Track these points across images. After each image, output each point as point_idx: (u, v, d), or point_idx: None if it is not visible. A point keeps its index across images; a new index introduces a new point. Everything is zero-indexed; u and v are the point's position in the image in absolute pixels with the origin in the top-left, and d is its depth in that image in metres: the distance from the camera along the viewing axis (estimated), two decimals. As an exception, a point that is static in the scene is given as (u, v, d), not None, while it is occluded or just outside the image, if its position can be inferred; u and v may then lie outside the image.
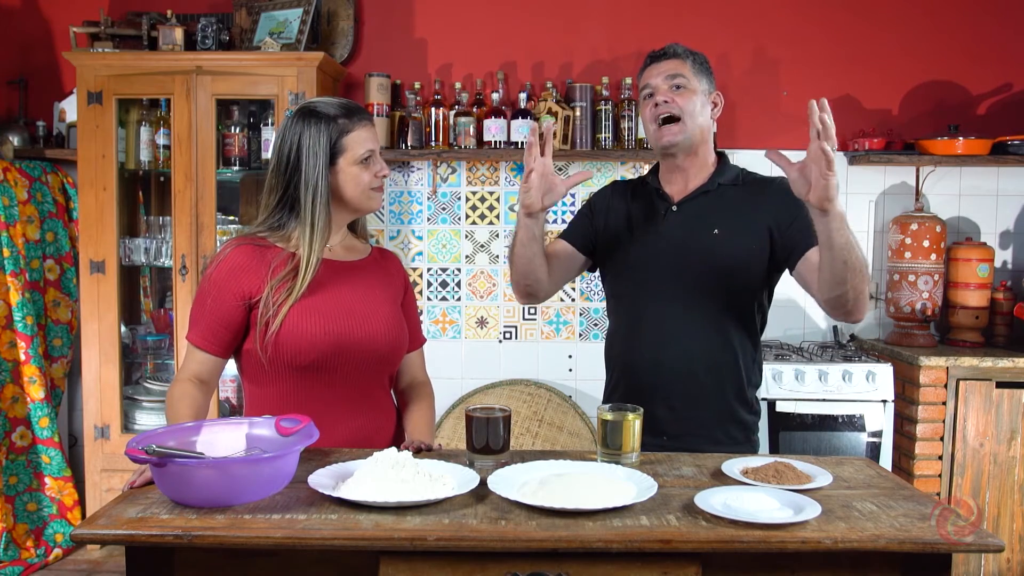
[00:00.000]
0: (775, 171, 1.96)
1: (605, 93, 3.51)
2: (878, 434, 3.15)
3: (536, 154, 1.78)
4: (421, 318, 3.62)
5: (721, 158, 2.00)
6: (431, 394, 1.96)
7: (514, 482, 1.43)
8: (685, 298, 1.90)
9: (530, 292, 1.99)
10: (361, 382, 1.79)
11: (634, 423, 1.60)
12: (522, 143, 3.41)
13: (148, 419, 3.44)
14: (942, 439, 3.14)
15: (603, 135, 3.48)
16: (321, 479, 1.43)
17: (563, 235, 2.08)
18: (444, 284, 3.70)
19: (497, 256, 3.68)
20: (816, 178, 1.54)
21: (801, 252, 1.84)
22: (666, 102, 1.88)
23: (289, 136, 1.75)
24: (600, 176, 3.63)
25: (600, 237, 2.04)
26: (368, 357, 1.76)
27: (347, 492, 1.37)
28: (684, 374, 1.90)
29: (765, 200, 1.91)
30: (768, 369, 3.11)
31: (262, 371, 1.75)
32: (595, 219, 2.05)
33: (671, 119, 1.88)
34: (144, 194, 3.66)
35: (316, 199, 1.73)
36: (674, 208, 1.95)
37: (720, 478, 1.53)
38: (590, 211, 2.08)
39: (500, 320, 3.70)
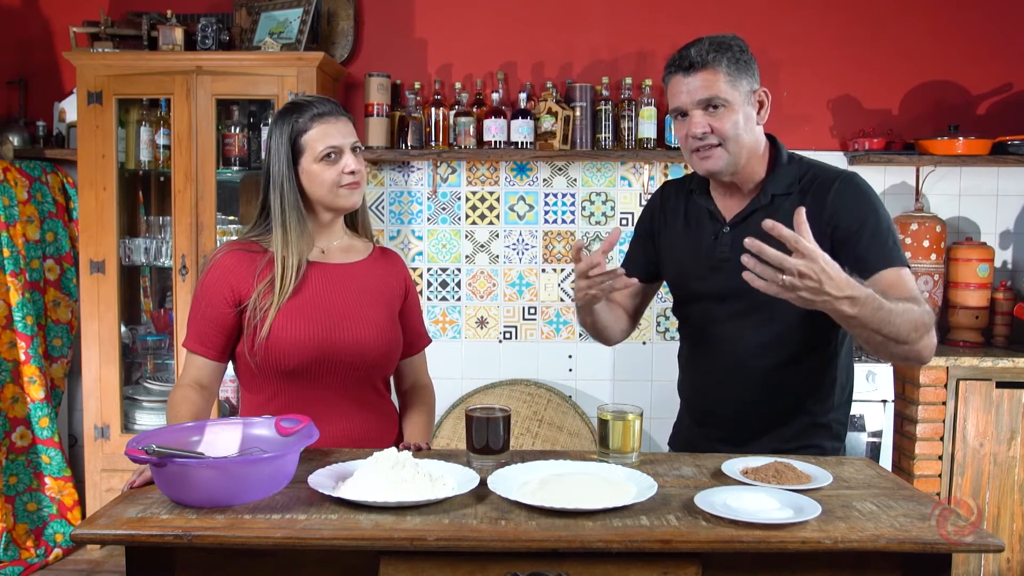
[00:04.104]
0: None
1: (605, 93, 3.51)
2: (878, 434, 3.15)
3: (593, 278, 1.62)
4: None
5: (775, 156, 1.76)
6: (432, 397, 1.95)
7: (514, 482, 1.43)
8: (751, 327, 1.74)
9: (608, 340, 1.92)
10: (352, 386, 1.78)
11: (634, 423, 1.60)
12: (522, 143, 3.41)
13: (148, 419, 3.44)
14: (942, 439, 3.14)
15: (603, 135, 3.48)
16: (321, 479, 1.42)
17: (626, 266, 1.87)
18: (444, 284, 3.69)
19: (497, 256, 3.68)
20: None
21: (867, 274, 1.61)
22: (705, 133, 1.67)
23: (267, 138, 1.77)
24: (600, 176, 3.63)
25: (661, 258, 1.91)
26: (357, 361, 1.75)
27: (347, 492, 1.37)
28: (744, 409, 1.79)
29: (825, 210, 1.67)
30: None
31: (252, 375, 1.75)
32: (651, 243, 1.93)
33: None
34: (144, 194, 3.66)
35: (284, 201, 1.72)
36: (726, 230, 1.77)
37: (720, 478, 1.53)
38: (646, 235, 1.95)
39: (500, 320, 3.70)
